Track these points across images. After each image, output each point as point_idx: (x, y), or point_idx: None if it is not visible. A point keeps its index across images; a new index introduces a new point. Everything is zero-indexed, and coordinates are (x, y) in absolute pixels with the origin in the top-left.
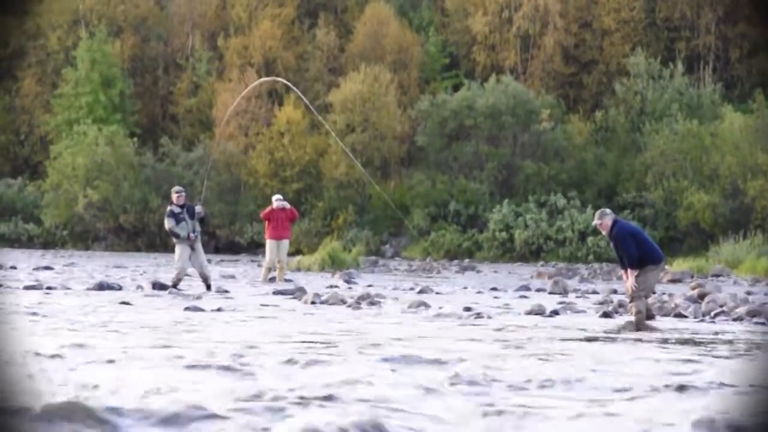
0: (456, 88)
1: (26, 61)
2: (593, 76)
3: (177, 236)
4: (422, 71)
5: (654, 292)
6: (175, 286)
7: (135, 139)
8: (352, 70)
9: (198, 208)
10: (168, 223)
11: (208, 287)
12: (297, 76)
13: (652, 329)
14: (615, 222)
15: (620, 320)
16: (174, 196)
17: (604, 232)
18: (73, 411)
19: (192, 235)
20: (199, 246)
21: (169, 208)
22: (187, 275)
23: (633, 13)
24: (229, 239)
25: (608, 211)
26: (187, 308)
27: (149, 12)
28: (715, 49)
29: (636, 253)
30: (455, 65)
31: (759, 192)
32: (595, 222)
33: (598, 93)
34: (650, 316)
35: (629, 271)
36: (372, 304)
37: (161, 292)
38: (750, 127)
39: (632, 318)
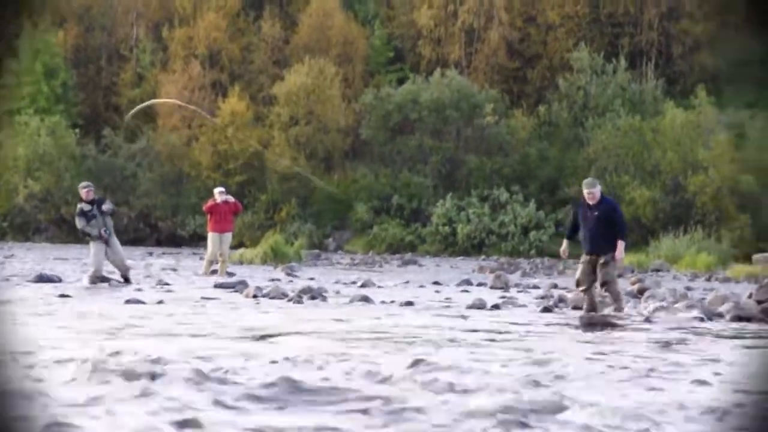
0: (401, 81)
1: None
2: (537, 71)
3: (88, 235)
4: (367, 64)
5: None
6: (93, 283)
7: (77, 129)
8: (297, 63)
9: (105, 206)
10: (79, 223)
11: (127, 280)
12: (242, 68)
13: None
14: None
15: (562, 314)
16: (82, 192)
17: (591, 202)
18: None
19: (104, 233)
20: (114, 240)
21: (78, 206)
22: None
23: (577, 8)
24: (171, 231)
25: (598, 181)
26: (127, 301)
27: (93, 1)
28: (658, 45)
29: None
30: (400, 59)
31: (699, 188)
32: (586, 190)
33: (542, 88)
34: (593, 309)
35: (620, 242)
36: (313, 297)
37: (102, 284)
38: (691, 123)
39: (615, 304)
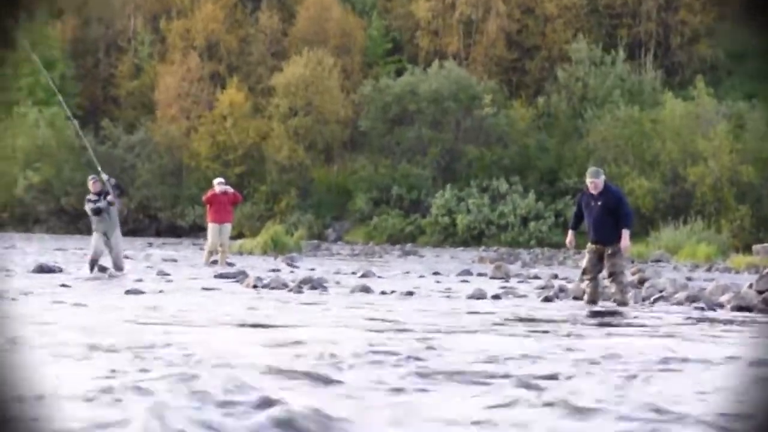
0: (399, 72)
1: None
2: (536, 62)
3: (99, 210)
4: (365, 56)
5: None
6: (92, 267)
7: (76, 121)
8: (295, 54)
9: (110, 198)
10: (88, 207)
11: (119, 269)
12: (240, 60)
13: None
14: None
15: (562, 304)
16: (90, 183)
17: (594, 191)
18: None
19: (113, 209)
20: (116, 235)
21: (87, 197)
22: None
23: (575, 0)
24: (170, 222)
25: (602, 171)
26: (128, 291)
27: None
28: (657, 36)
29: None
30: (398, 50)
31: (699, 178)
32: (589, 179)
33: (541, 79)
34: (594, 300)
35: (624, 231)
36: (314, 288)
37: (101, 274)
38: (690, 114)
39: (617, 296)
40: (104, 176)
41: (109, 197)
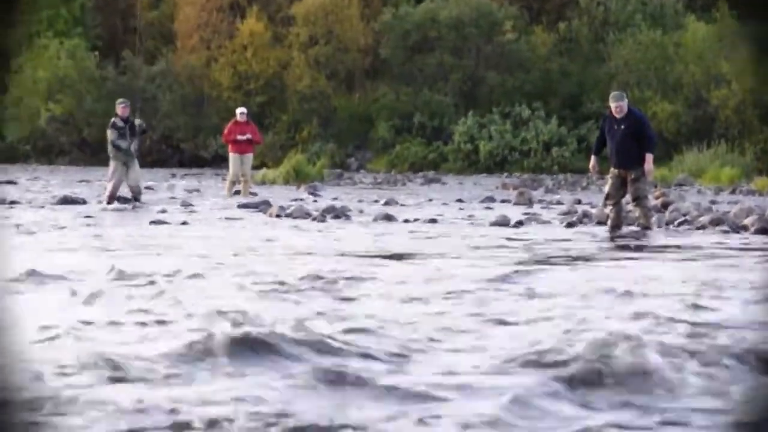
0: (419, 0)
1: None
2: None
3: (119, 148)
4: None
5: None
6: (110, 201)
7: (96, 52)
8: None
9: (137, 121)
10: (111, 135)
11: (137, 200)
12: None
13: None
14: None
15: (585, 229)
16: (119, 108)
17: (617, 115)
18: None
19: (133, 149)
20: (134, 163)
21: (113, 120)
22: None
23: None
24: (193, 153)
25: (625, 94)
26: (152, 222)
27: None
28: None
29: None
30: None
31: (722, 101)
32: (613, 103)
33: (562, 4)
34: (618, 225)
35: (647, 155)
36: (337, 216)
37: (125, 206)
38: (713, 37)
39: (641, 221)
40: (138, 121)
41: (134, 145)
